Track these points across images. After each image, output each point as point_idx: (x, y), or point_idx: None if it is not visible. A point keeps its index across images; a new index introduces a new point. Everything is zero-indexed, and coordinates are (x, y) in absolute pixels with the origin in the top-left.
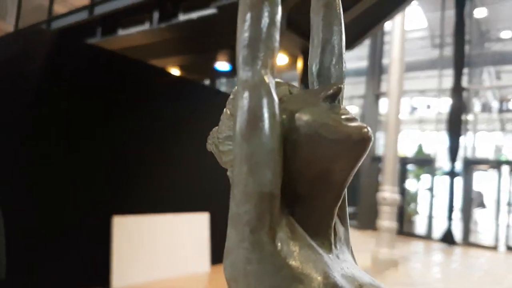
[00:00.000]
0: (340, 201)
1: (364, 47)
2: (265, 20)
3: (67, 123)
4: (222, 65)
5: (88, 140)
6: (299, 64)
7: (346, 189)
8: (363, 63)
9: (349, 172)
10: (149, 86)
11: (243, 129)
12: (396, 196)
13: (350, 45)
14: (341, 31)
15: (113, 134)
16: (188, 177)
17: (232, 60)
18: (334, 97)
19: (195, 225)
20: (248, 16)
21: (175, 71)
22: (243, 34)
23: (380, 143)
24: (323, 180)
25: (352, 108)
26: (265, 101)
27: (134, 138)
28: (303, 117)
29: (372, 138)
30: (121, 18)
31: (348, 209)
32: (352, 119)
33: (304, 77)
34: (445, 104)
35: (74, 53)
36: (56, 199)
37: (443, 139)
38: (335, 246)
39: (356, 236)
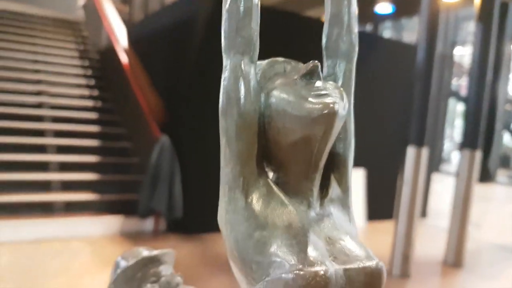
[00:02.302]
0: (319, 167)
1: None
2: (238, 14)
3: None
4: (383, 8)
5: None
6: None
7: (346, 157)
8: None
9: (321, 142)
10: (304, 37)
11: (221, 107)
12: None
13: None
14: (350, 4)
15: None
16: None
17: (394, 0)
18: (312, 74)
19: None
20: (224, 10)
21: None
22: (222, 27)
23: None
24: (297, 149)
25: None
26: (238, 84)
27: None
28: (275, 95)
29: (337, 113)
30: None
31: None
32: (323, 95)
33: (482, 14)
34: None
35: None
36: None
37: None
38: (321, 205)
39: None
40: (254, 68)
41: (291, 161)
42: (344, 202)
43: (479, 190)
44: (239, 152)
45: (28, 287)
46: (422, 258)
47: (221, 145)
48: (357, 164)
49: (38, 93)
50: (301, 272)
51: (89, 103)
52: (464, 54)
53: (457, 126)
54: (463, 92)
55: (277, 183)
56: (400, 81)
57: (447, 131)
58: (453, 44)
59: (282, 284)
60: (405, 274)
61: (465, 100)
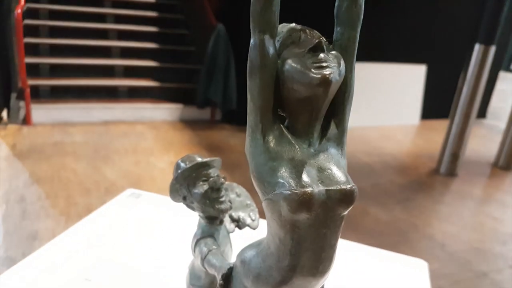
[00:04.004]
0: (319, 117)
1: None
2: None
3: None
4: None
5: None
6: None
7: (345, 106)
8: None
9: (320, 100)
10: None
11: (247, 72)
12: None
13: None
14: None
15: None
16: (408, 27)
17: None
18: (316, 49)
19: (411, 77)
20: None
21: None
22: (250, 9)
23: None
24: (303, 104)
25: None
26: (259, 56)
27: None
28: (288, 63)
29: (332, 81)
30: None
31: None
32: (322, 67)
33: None
34: None
35: None
36: None
37: None
38: (319, 143)
39: None
40: (273, 42)
41: (298, 112)
42: (339, 140)
43: None
44: (260, 106)
45: (101, 162)
46: (473, 159)
47: (247, 99)
48: (418, 60)
49: None
50: (295, 191)
51: None
52: None
53: None
54: None
55: (287, 127)
56: None
57: None
58: None
59: (282, 197)
60: (452, 173)
61: None
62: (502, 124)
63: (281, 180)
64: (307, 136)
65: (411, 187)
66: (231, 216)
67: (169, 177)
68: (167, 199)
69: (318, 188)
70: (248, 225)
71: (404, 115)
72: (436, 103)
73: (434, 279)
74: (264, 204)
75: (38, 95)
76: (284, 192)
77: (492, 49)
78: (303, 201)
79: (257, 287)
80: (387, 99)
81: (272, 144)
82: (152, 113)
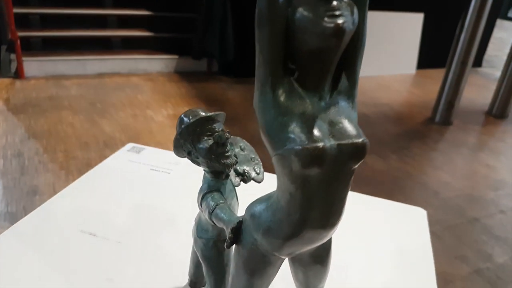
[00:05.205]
0: (330, 69)
1: None
2: None
3: None
4: None
5: None
6: None
7: (356, 57)
8: None
9: (332, 51)
10: None
11: (255, 21)
12: None
13: None
14: None
15: None
16: None
17: None
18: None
19: (408, 25)
20: None
21: None
22: None
23: None
24: (314, 55)
25: None
26: (269, 4)
27: None
28: (299, 11)
29: (346, 30)
30: None
31: None
32: (336, 16)
33: None
34: None
35: None
36: None
37: None
38: (330, 97)
39: None
40: None
41: (309, 64)
42: (350, 93)
43: None
44: (269, 58)
45: (98, 115)
46: (468, 107)
47: (256, 51)
48: (416, 9)
49: None
50: (307, 146)
51: None
52: None
53: None
54: None
55: (297, 81)
56: None
57: None
58: None
59: (293, 152)
60: (447, 121)
61: None
62: (498, 73)
63: (292, 135)
64: (317, 90)
65: (406, 136)
66: (236, 170)
67: (167, 130)
68: (169, 153)
69: (330, 143)
70: (253, 179)
71: (401, 64)
72: (433, 52)
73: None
74: (274, 160)
75: (30, 47)
76: (295, 147)
77: None
78: (315, 156)
79: (267, 240)
80: (384, 48)
81: (282, 99)
82: (147, 65)
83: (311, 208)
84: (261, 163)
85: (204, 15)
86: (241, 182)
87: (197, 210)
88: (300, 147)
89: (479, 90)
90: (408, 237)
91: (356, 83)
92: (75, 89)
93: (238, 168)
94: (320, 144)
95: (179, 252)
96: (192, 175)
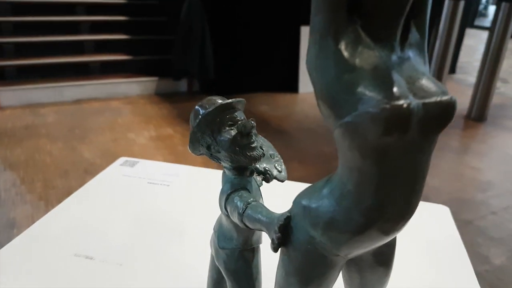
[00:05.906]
0: (402, 14)
1: None
2: None
3: None
4: None
5: None
6: None
7: (426, 4)
8: None
9: None
10: None
11: None
12: None
13: None
14: None
15: None
16: None
17: None
18: None
19: None
20: None
21: None
22: None
23: None
24: None
25: None
26: None
27: None
28: None
29: None
30: None
31: None
32: None
33: None
34: None
35: None
36: (248, 12)
37: None
38: (401, 50)
39: None
40: None
41: (377, 8)
42: (421, 47)
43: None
44: (331, 0)
45: (77, 142)
46: None
47: None
48: None
49: None
50: (387, 106)
51: None
52: None
53: None
54: None
55: (364, 29)
56: None
57: None
58: None
59: (369, 117)
60: None
61: None
62: (471, 78)
63: (365, 96)
64: (388, 40)
65: None
66: (256, 169)
67: (151, 151)
68: (166, 165)
69: (415, 101)
70: (276, 177)
71: None
72: None
73: None
74: (338, 132)
75: (4, 76)
76: (371, 110)
77: (461, 4)
78: (399, 119)
79: (331, 235)
80: None
81: (347, 52)
82: (126, 88)
83: (390, 188)
84: (281, 160)
85: (182, 35)
86: (263, 182)
87: (206, 220)
88: (379, 109)
89: (455, 95)
90: (439, 233)
91: (425, 34)
92: (52, 116)
93: (258, 166)
94: (405, 103)
95: (191, 270)
96: (193, 186)
